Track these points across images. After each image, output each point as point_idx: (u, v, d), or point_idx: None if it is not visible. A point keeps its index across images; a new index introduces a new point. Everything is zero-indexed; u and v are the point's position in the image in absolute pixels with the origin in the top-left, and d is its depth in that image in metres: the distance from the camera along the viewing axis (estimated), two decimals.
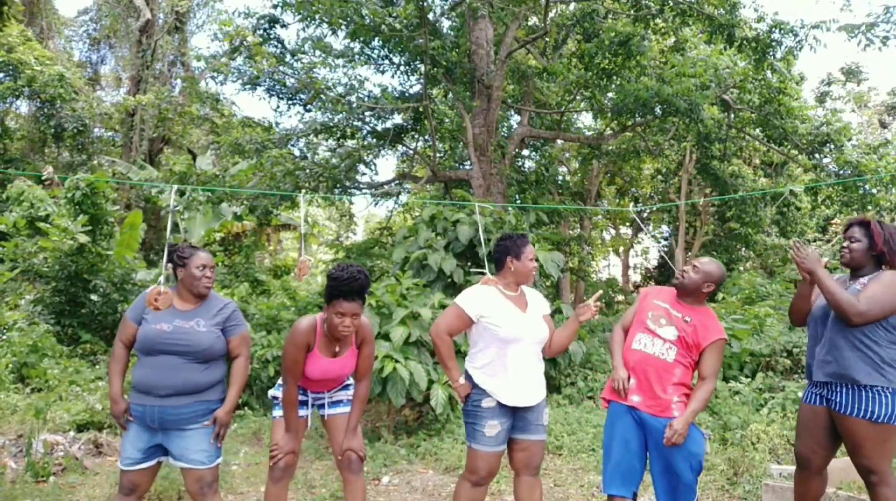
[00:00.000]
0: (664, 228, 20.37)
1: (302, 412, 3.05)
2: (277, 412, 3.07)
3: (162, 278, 3.04)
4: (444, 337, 3.00)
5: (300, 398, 3.04)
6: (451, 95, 10.91)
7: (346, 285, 2.81)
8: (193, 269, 2.93)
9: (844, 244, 2.95)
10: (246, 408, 6.30)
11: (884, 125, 20.32)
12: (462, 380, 2.99)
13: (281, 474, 3.04)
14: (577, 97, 11.81)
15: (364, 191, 11.22)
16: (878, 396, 2.74)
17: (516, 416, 2.97)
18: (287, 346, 2.91)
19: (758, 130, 11.43)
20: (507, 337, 2.91)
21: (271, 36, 10.29)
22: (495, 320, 2.93)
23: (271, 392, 3.17)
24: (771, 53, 8.67)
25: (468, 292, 3.07)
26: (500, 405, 2.90)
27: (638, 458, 2.95)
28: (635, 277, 22.10)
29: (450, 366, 2.99)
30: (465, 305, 2.98)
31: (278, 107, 10.85)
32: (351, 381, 3.17)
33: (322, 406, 3.08)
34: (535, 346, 3.03)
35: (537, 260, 6.72)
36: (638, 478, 2.96)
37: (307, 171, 9.20)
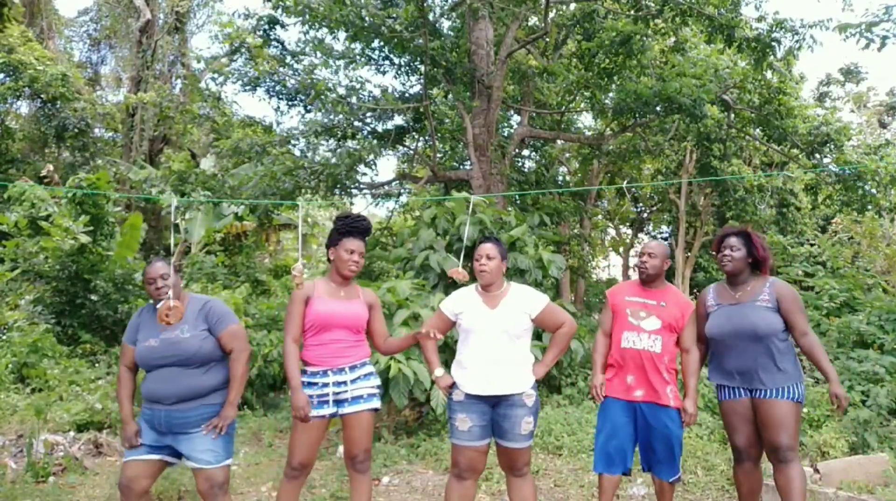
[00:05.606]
0: (664, 228, 20.36)
1: (324, 412, 3.03)
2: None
3: (171, 292, 3.00)
4: None
5: (320, 392, 3.04)
6: (451, 95, 10.90)
7: (354, 223, 3.13)
8: (146, 283, 2.98)
9: (725, 253, 3.29)
10: (246, 407, 6.30)
11: (883, 125, 20.30)
12: (439, 372, 3.19)
13: (297, 472, 3.04)
14: (578, 97, 11.80)
15: (364, 191, 11.21)
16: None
17: (494, 422, 3.06)
18: (288, 304, 3.09)
19: (758, 130, 11.42)
20: (467, 328, 3.11)
21: (271, 37, 10.28)
22: (464, 315, 3.14)
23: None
24: (770, 53, 8.65)
25: (450, 295, 3.33)
26: (467, 398, 3.05)
27: (630, 441, 3.27)
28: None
29: (430, 359, 3.24)
30: (443, 306, 3.26)
31: (279, 107, 10.87)
32: (372, 369, 3.22)
33: (343, 403, 3.07)
34: (499, 339, 3.05)
35: (541, 260, 6.77)
36: (629, 459, 3.29)
37: (307, 170, 9.19)
